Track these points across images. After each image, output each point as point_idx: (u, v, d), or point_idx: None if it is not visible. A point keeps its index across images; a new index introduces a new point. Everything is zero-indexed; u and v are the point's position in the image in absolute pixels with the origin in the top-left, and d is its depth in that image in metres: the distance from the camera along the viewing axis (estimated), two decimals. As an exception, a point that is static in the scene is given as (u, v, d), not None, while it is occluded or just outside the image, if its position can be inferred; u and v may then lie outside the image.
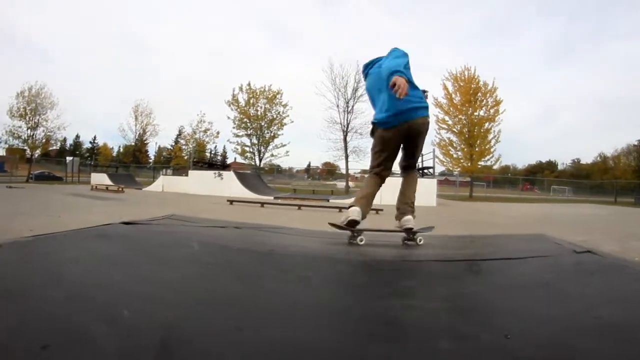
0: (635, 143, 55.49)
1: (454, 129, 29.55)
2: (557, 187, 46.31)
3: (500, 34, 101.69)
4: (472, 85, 29.70)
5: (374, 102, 3.06)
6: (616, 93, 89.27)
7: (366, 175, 3.77)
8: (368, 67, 3.25)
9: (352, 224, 2.65)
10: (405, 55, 2.96)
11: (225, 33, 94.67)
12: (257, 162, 33.18)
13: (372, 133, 3.03)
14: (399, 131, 2.86)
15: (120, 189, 17.12)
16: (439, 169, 31.48)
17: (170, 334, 0.87)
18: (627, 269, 1.71)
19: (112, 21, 77.91)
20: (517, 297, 1.32)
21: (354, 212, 2.69)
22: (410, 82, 2.71)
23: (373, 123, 2.99)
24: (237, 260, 1.81)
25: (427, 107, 2.95)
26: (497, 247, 3.06)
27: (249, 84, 33.92)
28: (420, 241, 2.65)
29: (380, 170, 3.01)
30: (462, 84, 29.88)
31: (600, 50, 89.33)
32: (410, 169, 3.21)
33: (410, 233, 2.73)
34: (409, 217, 2.85)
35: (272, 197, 17.10)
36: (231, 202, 12.23)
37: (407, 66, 2.88)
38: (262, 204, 12.13)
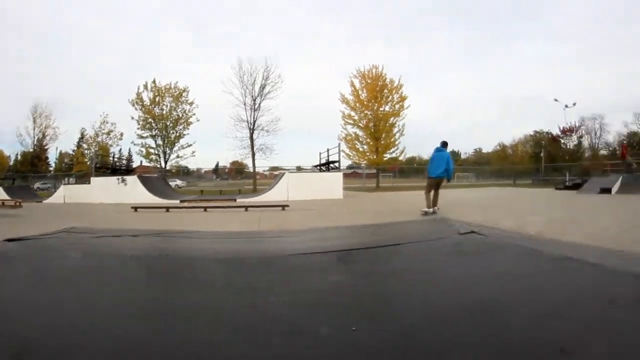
0: (532, 133, 60.99)
1: (360, 124, 30.78)
2: (461, 174, 49.83)
3: (412, 34, 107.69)
4: (379, 83, 31.10)
5: (431, 163, 9.82)
6: (516, 91, 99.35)
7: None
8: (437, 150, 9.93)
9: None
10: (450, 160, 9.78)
11: (130, 26, 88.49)
12: (163, 165, 31.61)
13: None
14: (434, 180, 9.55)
15: (18, 204, 15.36)
16: (347, 162, 32.85)
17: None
18: (509, 248, 1.75)
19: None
20: (380, 285, 1.31)
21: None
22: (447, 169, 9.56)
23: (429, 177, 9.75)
24: (125, 269, 1.64)
25: (446, 171, 9.55)
26: (383, 235, 3.05)
27: (154, 82, 32.10)
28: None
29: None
30: (369, 81, 31.14)
31: (502, 53, 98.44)
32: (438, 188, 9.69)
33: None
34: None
35: (178, 201, 16.53)
36: (135, 208, 11.54)
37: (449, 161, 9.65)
38: (168, 208, 11.66)
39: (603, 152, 50.23)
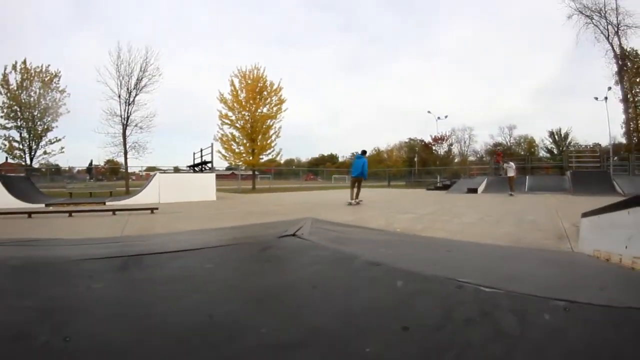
0: (406, 140, 68.82)
1: (237, 125, 30.62)
2: (337, 176, 53.77)
3: (302, 40, 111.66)
4: (259, 84, 31.15)
5: (353, 166, 13.88)
6: (391, 102, 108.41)
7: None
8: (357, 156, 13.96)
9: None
10: (366, 164, 13.92)
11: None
12: (29, 162, 27.64)
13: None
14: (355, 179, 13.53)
15: None
16: (224, 164, 32.54)
17: None
18: (321, 250, 2.02)
19: None
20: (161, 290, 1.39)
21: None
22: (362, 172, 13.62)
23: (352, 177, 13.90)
24: None
25: (362, 173, 13.57)
26: (218, 237, 3.36)
27: (24, 62, 27.59)
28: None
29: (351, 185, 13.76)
30: (249, 82, 31.03)
31: (383, 67, 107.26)
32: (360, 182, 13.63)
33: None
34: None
35: (43, 205, 14.97)
36: None
37: (364, 165, 13.70)
38: (30, 213, 10.49)
39: (471, 158, 58.81)
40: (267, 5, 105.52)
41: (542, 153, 59.12)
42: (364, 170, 13.57)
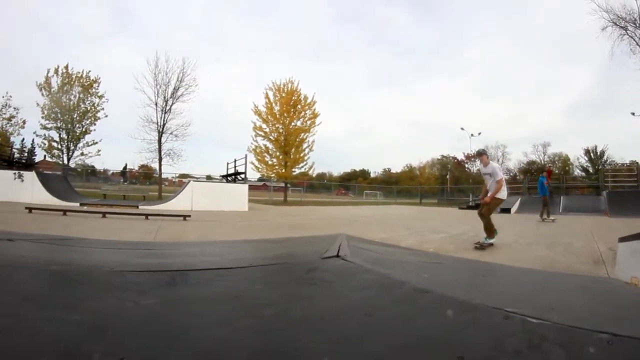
0: (439, 157, 67.43)
1: (271, 137, 30.86)
2: (369, 191, 52.91)
3: (333, 54, 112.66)
4: (293, 97, 31.40)
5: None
6: (423, 118, 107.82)
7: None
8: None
9: None
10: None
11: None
12: (66, 161, 28.73)
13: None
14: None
15: None
16: (255, 174, 32.84)
17: None
18: (365, 274, 1.94)
19: None
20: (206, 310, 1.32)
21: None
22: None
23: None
24: None
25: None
26: (256, 252, 3.29)
27: (66, 67, 28.92)
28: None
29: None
30: (283, 95, 31.33)
31: (415, 82, 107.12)
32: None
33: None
34: None
35: (78, 204, 15.71)
36: (30, 209, 10.84)
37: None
38: (65, 211, 10.96)
39: (505, 177, 56.21)
40: (299, 19, 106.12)
41: (577, 172, 56.11)
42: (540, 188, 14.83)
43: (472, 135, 49.96)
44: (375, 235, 8.15)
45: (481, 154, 7.61)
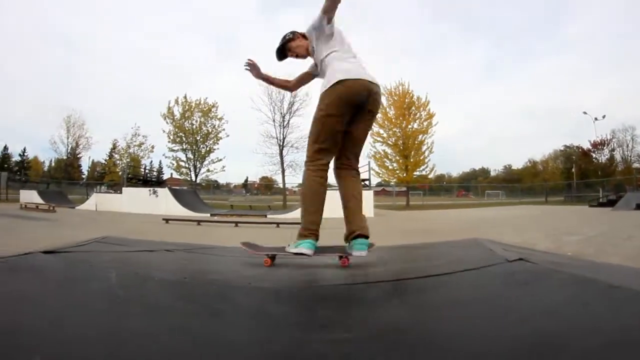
0: (562, 148, 59.73)
1: (389, 142, 30.71)
2: (490, 192, 48.90)
3: (435, 52, 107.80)
4: (406, 100, 30.96)
5: None
6: (541, 105, 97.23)
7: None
8: None
9: None
10: None
11: (161, 40, 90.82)
12: (193, 178, 32.19)
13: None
14: None
15: (52, 208, 15.60)
16: (375, 180, 32.35)
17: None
18: (558, 275, 1.72)
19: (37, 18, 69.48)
20: (449, 318, 1.25)
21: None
22: None
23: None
24: (152, 293, 1.60)
25: None
26: (430, 258, 3.04)
27: (184, 97, 32.98)
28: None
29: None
30: (396, 98, 31.05)
31: (525, 68, 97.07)
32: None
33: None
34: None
35: (208, 215, 16.61)
36: (167, 220, 11.65)
37: None
38: (199, 222, 11.71)
39: (636, 165, 47.28)
40: (387, 20, 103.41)
41: None
42: None
43: (595, 119, 41.48)
44: (509, 239, 7.37)
45: None
